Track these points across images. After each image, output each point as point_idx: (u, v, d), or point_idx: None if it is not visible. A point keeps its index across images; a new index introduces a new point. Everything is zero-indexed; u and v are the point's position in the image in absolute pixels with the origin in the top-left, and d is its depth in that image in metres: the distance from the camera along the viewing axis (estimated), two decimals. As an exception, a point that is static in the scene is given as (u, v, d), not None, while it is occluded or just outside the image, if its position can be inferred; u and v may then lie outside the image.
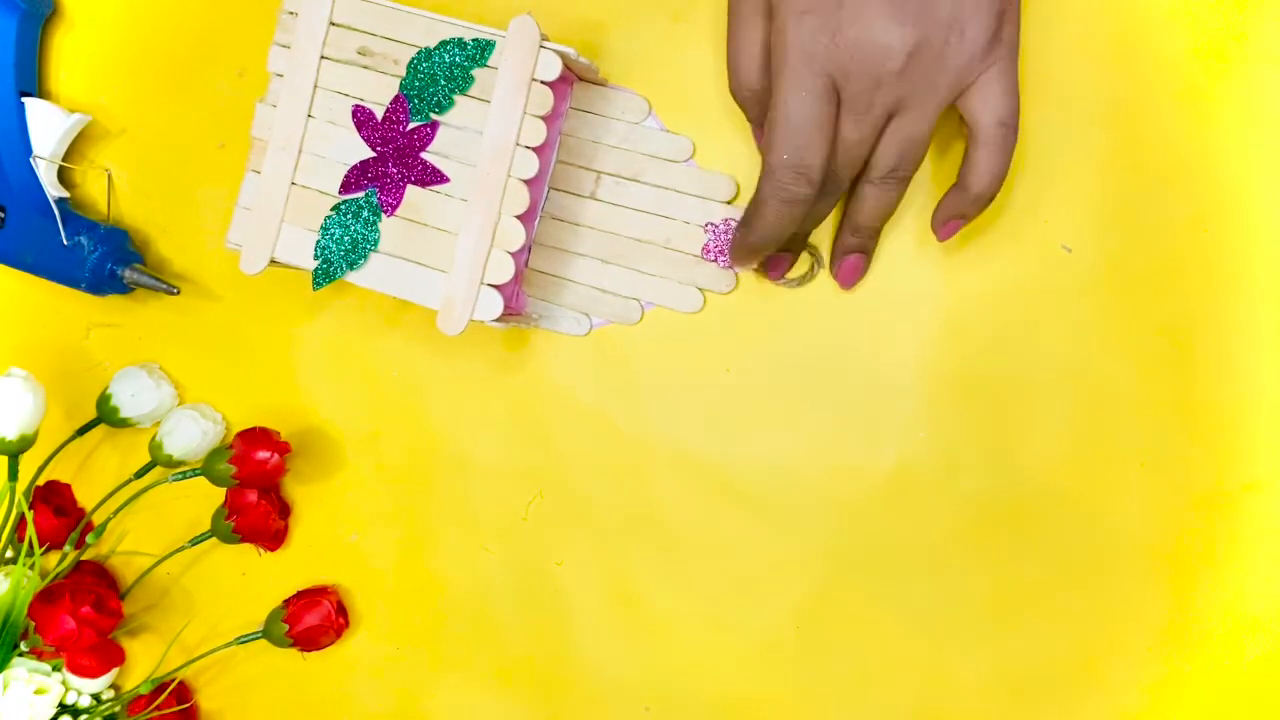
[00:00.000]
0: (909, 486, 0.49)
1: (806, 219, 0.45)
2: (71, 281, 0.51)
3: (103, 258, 0.51)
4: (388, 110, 0.45)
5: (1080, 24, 0.47)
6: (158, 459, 0.51)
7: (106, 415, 0.52)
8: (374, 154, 0.45)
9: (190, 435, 0.51)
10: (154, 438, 0.51)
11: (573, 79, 0.49)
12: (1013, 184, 0.47)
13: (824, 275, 0.49)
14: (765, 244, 0.44)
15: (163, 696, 0.53)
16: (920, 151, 0.43)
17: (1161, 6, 0.47)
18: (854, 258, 0.47)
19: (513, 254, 0.45)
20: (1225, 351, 0.47)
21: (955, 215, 0.45)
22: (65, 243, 0.50)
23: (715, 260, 0.49)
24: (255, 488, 0.51)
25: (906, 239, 0.48)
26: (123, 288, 0.52)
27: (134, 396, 0.52)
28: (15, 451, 0.49)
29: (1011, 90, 0.42)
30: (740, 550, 0.50)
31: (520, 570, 0.52)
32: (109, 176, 0.53)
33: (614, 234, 0.49)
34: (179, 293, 0.52)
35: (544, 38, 0.44)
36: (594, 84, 0.49)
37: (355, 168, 0.45)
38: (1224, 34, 0.46)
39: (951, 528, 0.49)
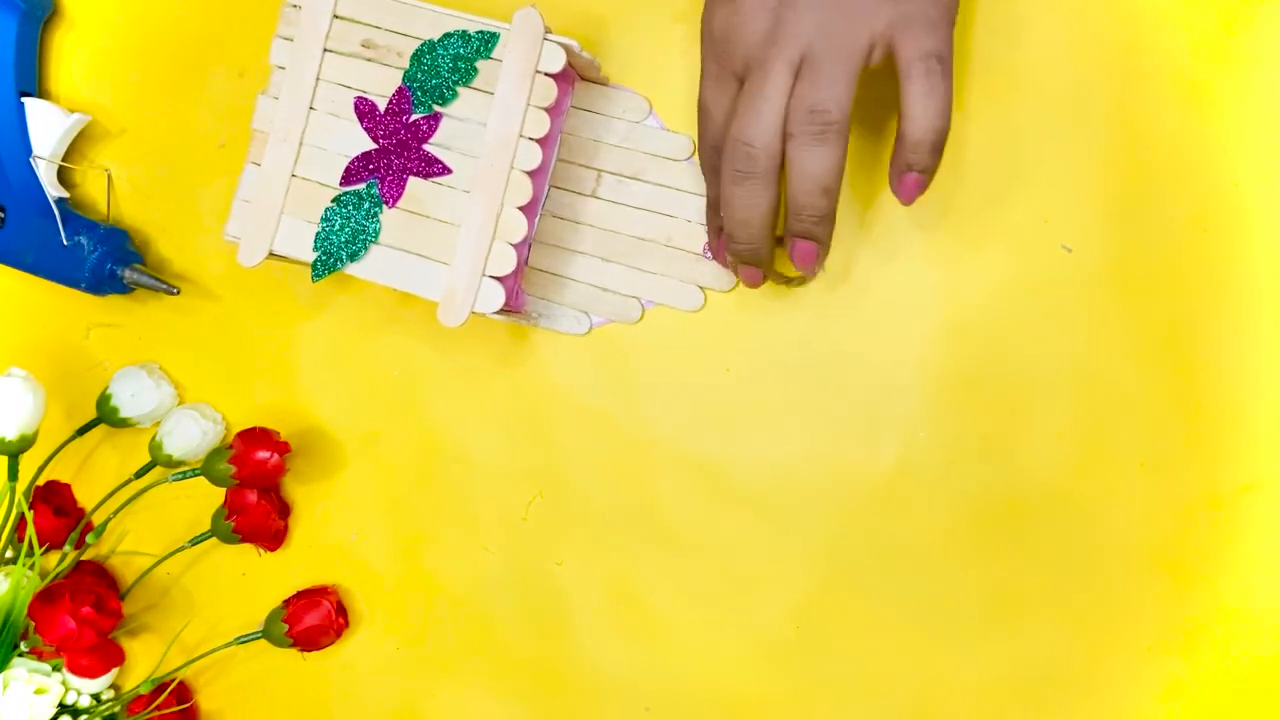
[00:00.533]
0: (909, 486, 0.49)
1: (753, 208, 0.42)
2: (71, 281, 0.51)
3: (102, 258, 0.51)
4: (390, 102, 0.45)
5: (1080, 24, 0.47)
6: (158, 459, 0.51)
7: (106, 415, 0.52)
8: (376, 146, 0.45)
9: (190, 435, 0.51)
10: (154, 438, 0.51)
11: (574, 76, 0.49)
12: (1013, 184, 0.47)
13: (822, 275, 0.49)
14: (718, 210, 0.45)
15: (163, 697, 0.53)
16: (833, 89, 0.40)
17: (1162, 6, 0.47)
18: (803, 243, 0.43)
19: (515, 246, 0.45)
20: (1225, 351, 0.47)
21: (905, 169, 0.42)
22: (65, 243, 0.50)
23: (716, 258, 0.49)
24: (255, 488, 0.51)
25: (907, 239, 0.48)
26: (123, 288, 0.52)
27: (134, 396, 0.52)
28: (15, 451, 0.49)
29: (937, 26, 0.40)
30: (740, 550, 0.50)
31: (520, 570, 0.52)
32: (109, 177, 0.53)
33: (614, 232, 0.49)
34: (179, 293, 0.52)
35: (548, 31, 0.44)
36: (595, 83, 0.49)
37: (357, 159, 0.45)
38: (1224, 34, 0.46)
39: (951, 528, 0.49)
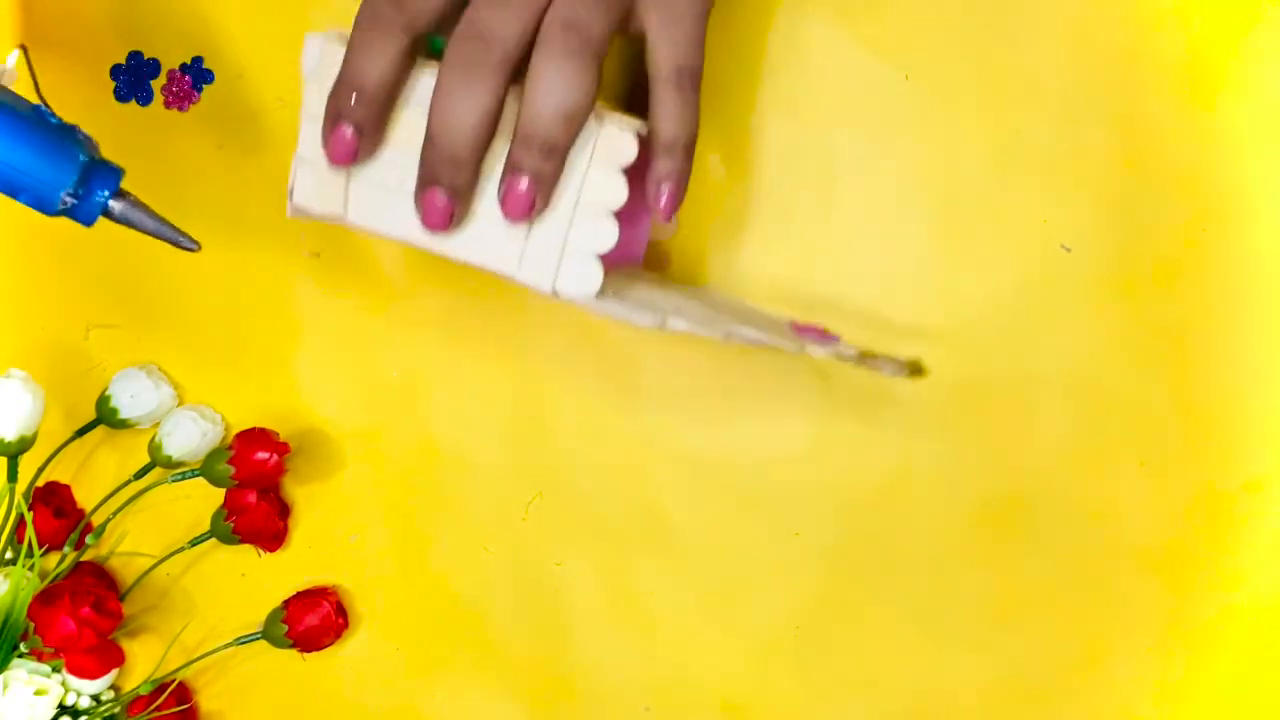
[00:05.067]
0: (909, 486, 0.49)
1: (469, 108, 0.35)
2: (49, 190, 0.37)
3: (93, 172, 0.38)
4: None
5: (1080, 24, 0.47)
6: (157, 460, 0.51)
7: (106, 416, 0.52)
8: None
9: (190, 436, 0.51)
10: (153, 439, 0.51)
11: None
12: (1011, 184, 0.47)
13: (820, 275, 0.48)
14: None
15: (163, 697, 0.53)
16: (597, 10, 0.35)
17: (1161, 7, 0.47)
18: (520, 181, 0.36)
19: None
20: (1224, 351, 0.47)
21: (663, 177, 0.39)
22: (53, 120, 0.37)
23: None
24: (255, 488, 0.51)
25: (906, 240, 0.48)
26: (90, 216, 0.39)
27: (133, 397, 0.52)
28: (15, 453, 0.49)
29: (692, 36, 0.37)
30: (740, 550, 0.50)
31: (520, 570, 0.52)
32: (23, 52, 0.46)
33: None
34: (199, 249, 0.41)
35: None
36: None
37: None
38: (1223, 34, 0.46)
39: (951, 528, 0.49)
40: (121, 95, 0.52)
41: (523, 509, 0.52)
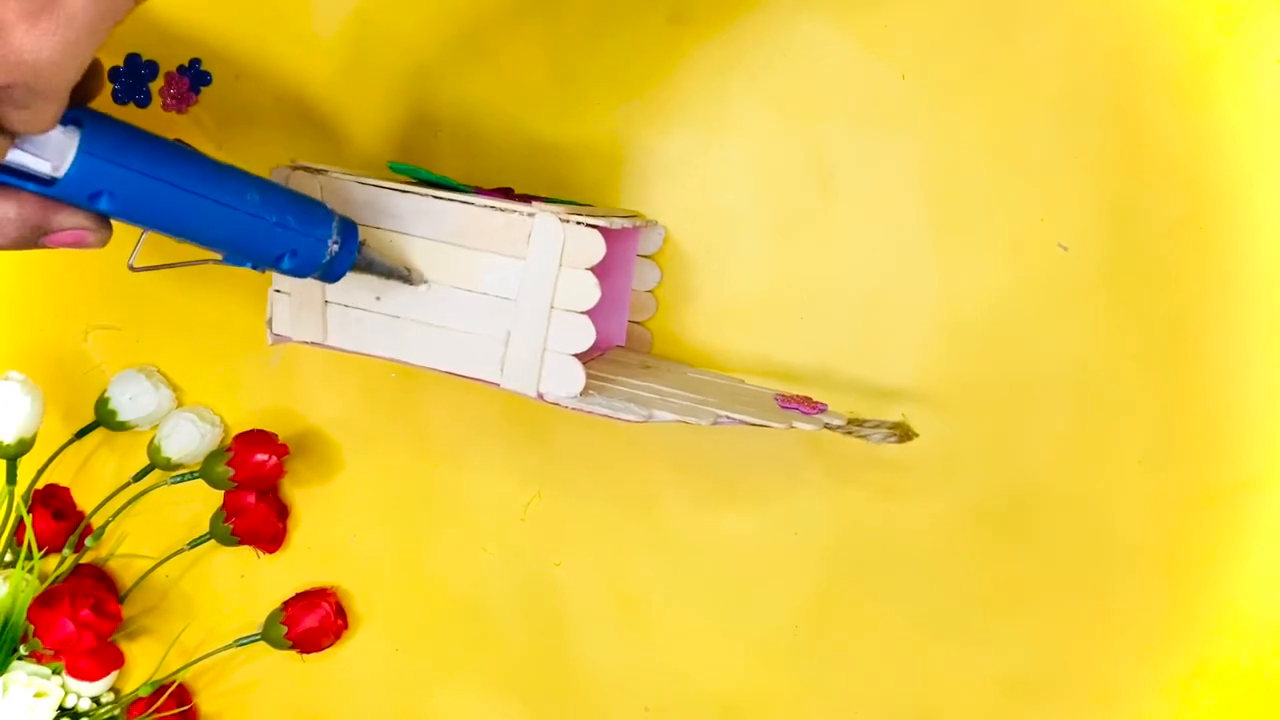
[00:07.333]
0: (908, 486, 0.49)
1: None
2: (319, 241, 0.37)
3: (342, 226, 0.38)
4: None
5: (1078, 24, 0.47)
6: (156, 462, 0.51)
7: (105, 418, 0.52)
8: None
9: (189, 438, 0.51)
10: (152, 440, 0.51)
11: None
12: (1009, 182, 0.47)
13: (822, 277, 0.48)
14: None
15: (162, 699, 0.53)
16: None
17: (1158, 7, 0.47)
18: None
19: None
20: (1222, 349, 0.47)
21: None
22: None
23: None
24: (254, 490, 0.51)
25: (904, 238, 0.48)
26: (343, 268, 0.39)
27: (132, 399, 0.52)
28: (14, 455, 0.49)
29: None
30: (740, 550, 0.50)
31: (519, 570, 0.52)
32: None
33: None
34: (428, 284, 0.40)
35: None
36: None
37: None
38: (1219, 34, 0.46)
39: (951, 527, 0.49)
40: (119, 98, 0.52)
41: (521, 509, 0.52)
